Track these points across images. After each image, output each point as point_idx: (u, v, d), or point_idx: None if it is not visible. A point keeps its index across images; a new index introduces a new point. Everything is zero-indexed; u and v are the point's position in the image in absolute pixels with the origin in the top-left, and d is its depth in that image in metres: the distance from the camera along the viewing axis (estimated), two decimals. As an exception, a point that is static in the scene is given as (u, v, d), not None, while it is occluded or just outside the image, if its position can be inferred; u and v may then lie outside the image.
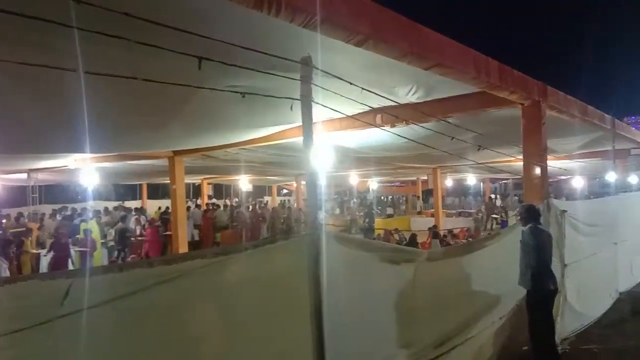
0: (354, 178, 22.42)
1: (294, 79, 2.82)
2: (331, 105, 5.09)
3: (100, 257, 12.25)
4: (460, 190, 29.96)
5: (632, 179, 17.23)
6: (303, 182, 25.14)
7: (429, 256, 4.42)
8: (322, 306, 2.76)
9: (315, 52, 3.16)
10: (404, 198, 32.77)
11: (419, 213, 25.67)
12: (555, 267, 5.42)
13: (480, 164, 12.19)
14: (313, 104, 2.91)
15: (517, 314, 5.33)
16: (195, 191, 28.94)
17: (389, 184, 36.04)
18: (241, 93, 3.01)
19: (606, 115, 8.70)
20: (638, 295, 8.32)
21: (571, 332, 6.23)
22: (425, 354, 3.98)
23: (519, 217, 5.38)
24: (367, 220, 20.17)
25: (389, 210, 26.00)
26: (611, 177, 13.01)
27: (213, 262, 2.32)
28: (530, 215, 5.11)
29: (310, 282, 2.77)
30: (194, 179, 24.22)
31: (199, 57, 2.49)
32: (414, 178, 27.99)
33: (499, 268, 5.14)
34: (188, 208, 17.72)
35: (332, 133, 7.70)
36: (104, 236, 13.77)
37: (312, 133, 2.89)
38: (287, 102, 3.56)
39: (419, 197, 27.76)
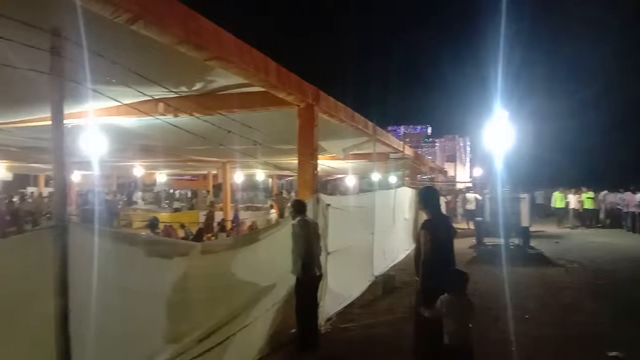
0: (139, 169, 20.97)
1: (42, 50, 2.46)
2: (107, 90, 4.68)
3: None
4: (250, 186, 30.90)
5: (392, 178, 20.28)
6: (81, 172, 22.43)
7: (204, 248, 4.40)
8: (67, 306, 2.49)
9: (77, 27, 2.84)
10: (194, 192, 32.15)
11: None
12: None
13: (264, 162, 12.68)
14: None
15: (289, 300, 5.72)
16: None
17: (179, 177, 34.91)
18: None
19: (369, 122, 9.95)
20: (388, 277, 9.75)
21: (333, 313, 6.96)
22: (195, 345, 3.95)
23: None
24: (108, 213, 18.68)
25: (176, 204, 25.12)
26: (374, 176, 15.11)
27: None
28: (298, 209, 5.55)
29: (54, 279, 2.47)
30: None
31: None
32: (205, 172, 27.65)
33: (273, 258, 5.42)
34: None
35: (108, 118, 7.06)
36: None
37: (63, 115, 2.57)
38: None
39: (209, 191, 27.54)
